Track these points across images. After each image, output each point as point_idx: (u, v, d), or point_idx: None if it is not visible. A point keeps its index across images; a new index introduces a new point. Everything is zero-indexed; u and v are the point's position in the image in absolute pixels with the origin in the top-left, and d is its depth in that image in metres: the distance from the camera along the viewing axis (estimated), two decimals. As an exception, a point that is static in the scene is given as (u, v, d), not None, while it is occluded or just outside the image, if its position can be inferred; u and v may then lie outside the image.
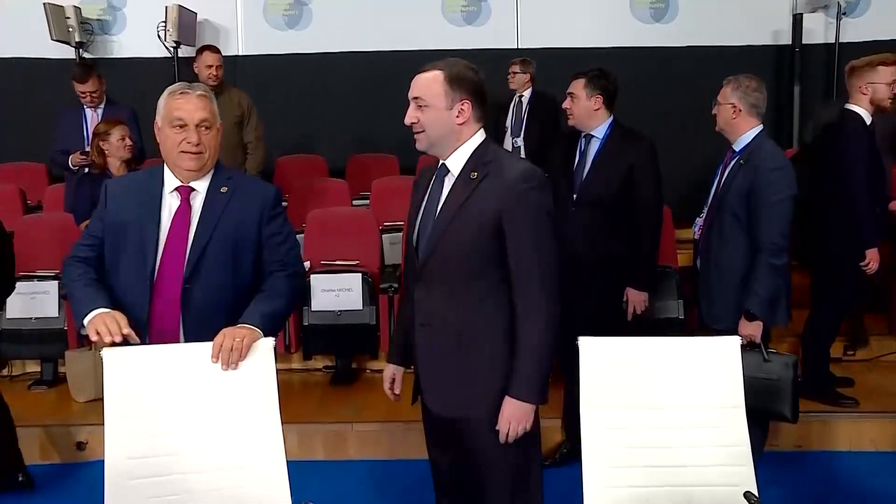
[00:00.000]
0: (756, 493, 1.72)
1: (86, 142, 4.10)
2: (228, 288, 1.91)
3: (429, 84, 1.76)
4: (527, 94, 5.08)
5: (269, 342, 1.80)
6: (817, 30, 5.72)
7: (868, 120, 3.13)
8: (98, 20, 5.82)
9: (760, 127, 2.69)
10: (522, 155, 4.85)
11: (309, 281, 3.71)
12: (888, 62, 3.11)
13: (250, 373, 1.76)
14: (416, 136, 1.81)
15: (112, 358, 1.74)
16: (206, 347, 1.77)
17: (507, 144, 5.05)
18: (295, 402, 3.46)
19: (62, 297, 3.63)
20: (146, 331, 1.85)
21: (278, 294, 1.91)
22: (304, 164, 5.48)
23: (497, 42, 5.75)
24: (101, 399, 1.75)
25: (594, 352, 1.81)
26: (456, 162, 1.80)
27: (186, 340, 1.87)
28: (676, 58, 5.67)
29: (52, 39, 5.50)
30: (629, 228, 2.87)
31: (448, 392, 1.82)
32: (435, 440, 1.97)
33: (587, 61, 3.08)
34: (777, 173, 2.57)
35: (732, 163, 2.71)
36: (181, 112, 1.87)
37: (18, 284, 3.66)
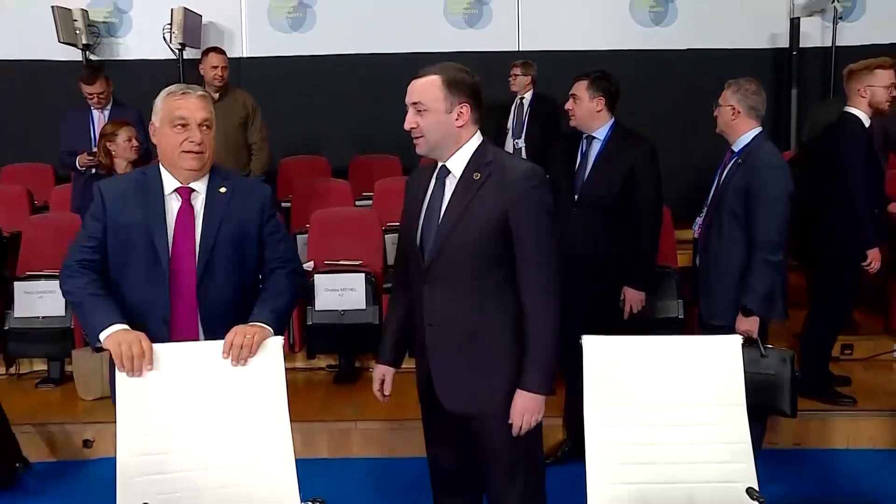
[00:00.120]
0: (758, 489, 1.74)
1: (93, 143, 4.14)
2: (236, 286, 1.94)
3: (427, 89, 1.78)
4: (528, 96, 5.11)
5: (278, 341, 1.82)
6: (814, 34, 5.77)
7: (867, 122, 3.17)
8: (104, 23, 5.86)
9: (759, 129, 2.74)
10: (524, 156, 4.89)
11: (312, 281, 3.74)
12: (885, 65, 3.15)
13: (259, 371, 1.77)
14: (415, 140, 1.82)
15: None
16: (215, 346, 1.78)
17: (509, 146, 5.08)
18: (299, 400, 3.40)
19: (68, 297, 3.66)
20: (168, 331, 1.86)
21: (282, 292, 1.94)
22: (307, 165, 5.51)
23: (498, 44, 5.78)
24: (108, 397, 1.78)
25: (597, 350, 1.83)
26: (457, 163, 1.82)
27: (205, 339, 1.89)
28: (676, 61, 5.71)
29: (59, 42, 5.53)
30: (630, 229, 2.89)
31: (461, 388, 1.84)
32: (439, 438, 1.97)
33: (587, 64, 3.11)
34: (774, 172, 2.62)
35: (731, 163, 2.76)
36: (183, 111, 1.87)
37: (25, 284, 3.73)
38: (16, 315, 3.71)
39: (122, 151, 3.69)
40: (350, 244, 4.06)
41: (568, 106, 2.95)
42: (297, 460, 1.76)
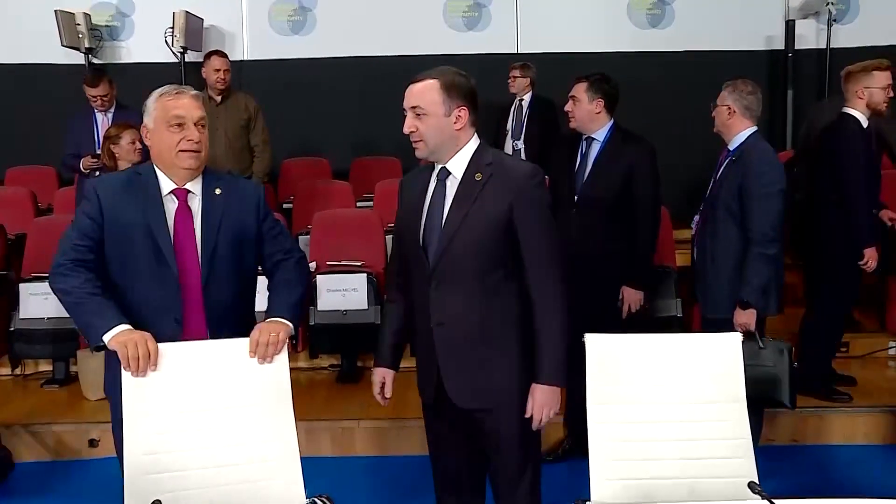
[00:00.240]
0: (759, 484, 1.77)
1: (97, 145, 4.16)
2: (237, 285, 1.95)
3: (425, 93, 1.80)
4: (527, 97, 5.14)
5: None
6: (809, 35, 5.83)
7: (865, 123, 3.21)
8: (107, 26, 5.89)
9: (754, 128, 2.80)
10: (523, 157, 4.92)
11: (315, 281, 3.76)
12: (882, 67, 3.20)
13: (265, 370, 1.78)
14: (414, 144, 1.84)
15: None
16: (219, 345, 1.80)
17: (508, 147, 5.11)
18: (302, 399, 3.36)
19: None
20: (180, 332, 1.86)
21: (294, 283, 1.97)
22: (308, 167, 5.54)
23: (497, 47, 5.82)
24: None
25: (600, 349, 1.84)
26: (457, 165, 1.85)
27: (211, 338, 1.90)
28: (673, 62, 5.75)
29: (62, 45, 5.56)
30: (628, 228, 2.92)
31: (470, 384, 1.86)
32: (444, 439, 1.98)
33: (586, 66, 3.15)
34: (766, 169, 2.68)
35: (726, 161, 2.82)
36: (180, 110, 1.86)
37: (31, 286, 3.76)
38: (21, 316, 3.73)
39: (126, 154, 3.70)
40: (352, 245, 4.09)
41: (568, 107, 2.98)
42: (301, 458, 1.77)
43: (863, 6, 5.77)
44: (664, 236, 3.52)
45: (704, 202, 2.92)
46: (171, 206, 1.90)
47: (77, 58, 5.73)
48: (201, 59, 4.66)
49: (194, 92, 1.93)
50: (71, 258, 1.83)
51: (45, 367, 3.92)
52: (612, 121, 2.97)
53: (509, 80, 5.14)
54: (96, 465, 3.19)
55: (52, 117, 4.98)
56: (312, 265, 3.97)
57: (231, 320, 1.91)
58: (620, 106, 2.98)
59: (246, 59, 5.91)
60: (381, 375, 2.02)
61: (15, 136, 5.72)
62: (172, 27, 5.54)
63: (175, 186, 1.91)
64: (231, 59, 4.60)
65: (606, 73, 2.98)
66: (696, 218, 2.97)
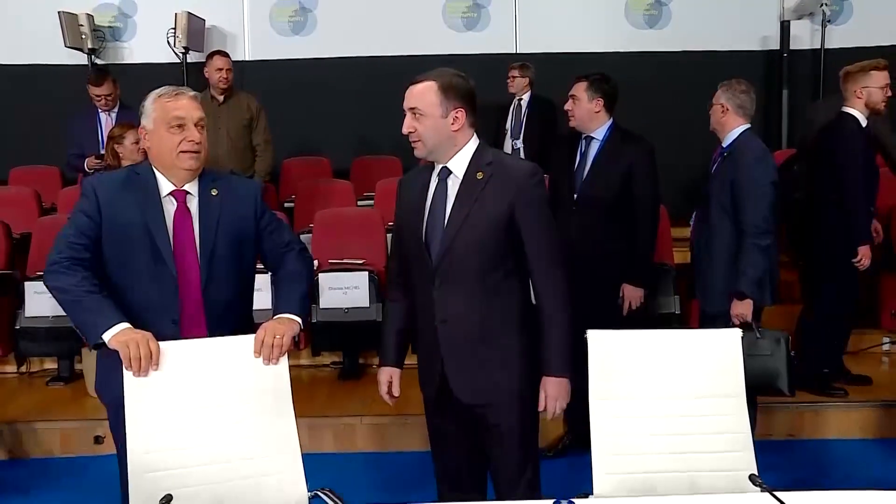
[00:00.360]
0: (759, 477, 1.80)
1: (101, 145, 4.20)
2: (237, 284, 1.96)
3: (423, 94, 1.83)
4: (526, 97, 5.18)
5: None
6: (803, 36, 5.87)
7: (864, 122, 3.25)
8: (109, 27, 5.92)
9: (746, 125, 2.85)
10: (522, 156, 4.96)
11: (317, 280, 3.78)
12: (880, 67, 3.24)
13: (265, 366, 1.78)
14: (413, 144, 1.87)
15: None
16: (220, 343, 1.80)
17: (507, 146, 5.14)
18: (304, 397, 3.51)
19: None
20: (177, 333, 1.84)
21: (299, 276, 1.96)
22: (309, 166, 5.56)
23: (496, 47, 5.85)
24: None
25: (602, 344, 1.86)
26: (458, 165, 1.87)
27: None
28: (670, 62, 5.78)
29: (65, 46, 5.60)
30: (628, 227, 2.95)
31: (474, 380, 1.88)
32: (446, 435, 2.00)
33: (584, 65, 3.18)
34: (756, 163, 2.74)
35: (720, 158, 2.88)
36: (181, 111, 1.85)
37: (36, 284, 3.78)
38: (26, 314, 3.75)
39: (130, 153, 3.71)
40: (353, 243, 4.11)
41: (567, 107, 3.01)
42: (303, 454, 1.78)
43: (856, 7, 5.82)
44: (662, 234, 3.54)
45: (701, 199, 2.97)
46: (169, 207, 1.89)
47: (80, 58, 5.76)
48: (203, 60, 4.70)
49: (193, 93, 1.93)
50: (67, 256, 1.81)
51: (50, 364, 3.96)
52: (611, 120, 2.99)
53: (508, 80, 5.18)
54: (101, 462, 3.19)
55: (56, 117, 5.00)
56: (314, 263, 4.00)
57: (230, 319, 1.91)
58: (618, 105, 3.01)
59: (247, 59, 5.93)
60: (388, 374, 2.03)
61: (19, 136, 5.75)
62: (174, 28, 5.56)
63: (174, 188, 1.90)
64: (232, 60, 4.63)
65: (604, 72, 3.01)
66: (695, 215, 3.02)
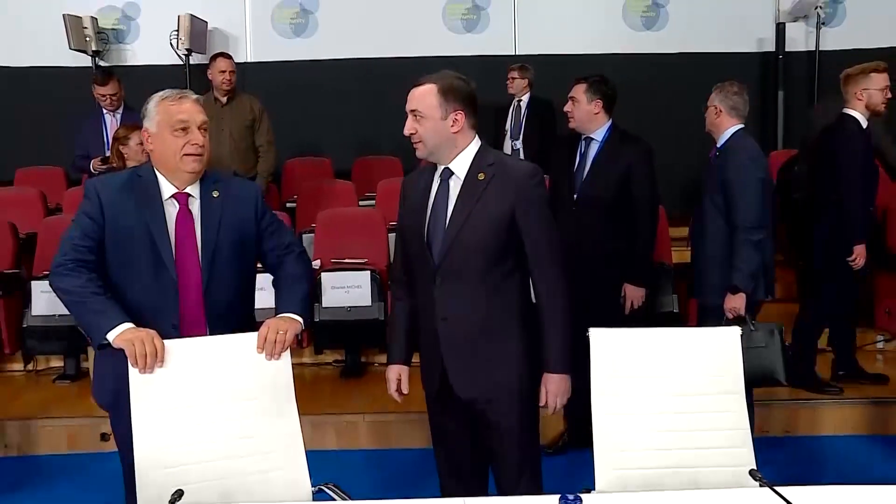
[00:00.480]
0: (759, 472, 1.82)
1: (106, 146, 4.23)
2: (238, 285, 1.97)
3: (423, 97, 1.86)
4: (525, 98, 5.21)
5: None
6: (799, 38, 5.92)
7: (864, 123, 3.29)
8: (113, 29, 5.96)
9: (740, 126, 2.90)
10: (521, 157, 5.00)
11: (319, 279, 3.81)
12: (880, 69, 3.27)
13: (268, 363, 1.80)
14: (415, 145, 1.91)
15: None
16: (224, 341, 1.81)
17: (507, 147, 5.17)
18: (307, 394, 3.48)
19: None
20: (178, 334, 1.85)
21: (299, 277, 1.98)
22: (311, 167, 5.58)
23: (496, 49, 5.89)
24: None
25: (604, 343, 1.89)
26: (460, 166, 1.91)
27: None
28: (667, 64, 5.82)
29: (70, 48, 5.64)
30: (627, 227, 2.99)
31: (474, 377, 1.91)
32: (448, 431, 2.03)
33: (582, 67, 3.22)
34: (747, 161, 2.79)
35: (714, 157, 2.93)
36: (184, 114, 1.86)
37: (42, 283, 3.81)
38: (33, 313, 3.78)
39: (135, 154, 3.72)
40: (355, 243, 4.13)
41: (567, 108, 3.04)
42: (306, 451, 1.80)
43: (850, 10, 5.88)
44: (661, 234, 3.57)
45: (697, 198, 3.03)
46: (171, 210, 1.90)
47: (84, 60, 5.81)
48: (206, 62, 4.73)
49: (195, 96, 1.94)
50: (72, 258, 1.83)
51: (57, 362, 3.98)
52: (610, 121, 3.03)
53: (508, 82, 5.21)
54: (107, 459, 3.18)
55: (61, 119, 5.06)
56: (316, 263, 4.03)
57: (232, 320, 1.92)
58: (616, 106, 3.04)
59: (249, 61, 5.95)
60: (397, 372, 2.05)
61: (24, 137, 5.78)
62: (177, 30, 5.60)
63: (175, 190, 1.91)
64: (235, 62, 4.67)
65: (603, 74, 3.05)
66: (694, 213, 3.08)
